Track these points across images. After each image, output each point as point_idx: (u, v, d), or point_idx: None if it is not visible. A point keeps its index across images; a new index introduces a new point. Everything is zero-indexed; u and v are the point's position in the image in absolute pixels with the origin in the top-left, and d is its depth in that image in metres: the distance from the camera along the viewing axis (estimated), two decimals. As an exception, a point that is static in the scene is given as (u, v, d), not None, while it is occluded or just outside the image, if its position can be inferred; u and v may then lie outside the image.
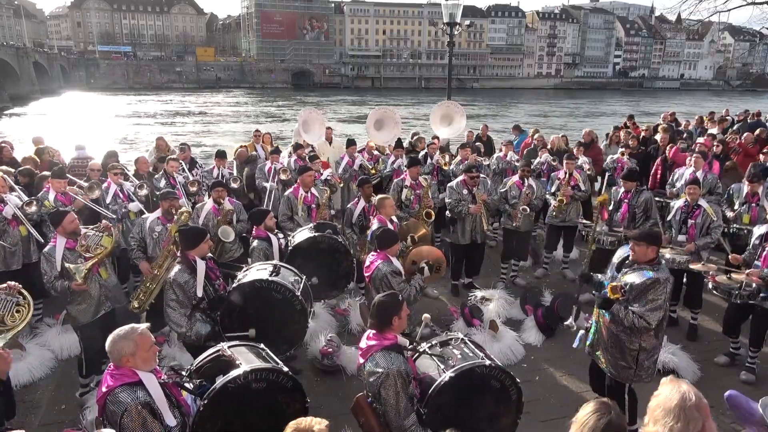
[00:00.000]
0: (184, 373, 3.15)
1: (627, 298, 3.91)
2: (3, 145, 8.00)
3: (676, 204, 6.13)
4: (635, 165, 8.42)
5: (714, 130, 12.02)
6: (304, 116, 10.01)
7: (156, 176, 7.45)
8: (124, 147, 27.29)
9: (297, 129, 9.99)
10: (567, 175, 7.34)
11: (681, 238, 5.91)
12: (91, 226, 4.84)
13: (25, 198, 5.95)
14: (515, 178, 7.20)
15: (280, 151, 8.80)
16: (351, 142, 9.27)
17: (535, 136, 10.46)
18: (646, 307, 3.79)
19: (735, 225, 6.62)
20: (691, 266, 5.49)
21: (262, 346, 3.54)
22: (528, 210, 6.93)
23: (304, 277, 4.68)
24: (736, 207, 6.71)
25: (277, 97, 70.00)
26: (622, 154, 9.11)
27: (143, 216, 5.75)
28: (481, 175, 7.14)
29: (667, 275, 3.88)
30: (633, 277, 3.93)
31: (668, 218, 6.19)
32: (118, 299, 4.93)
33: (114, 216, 6.38)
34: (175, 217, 5.41)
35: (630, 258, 4.04)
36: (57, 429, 4.36)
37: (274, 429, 3.22)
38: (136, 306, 5.19)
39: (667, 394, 2.08)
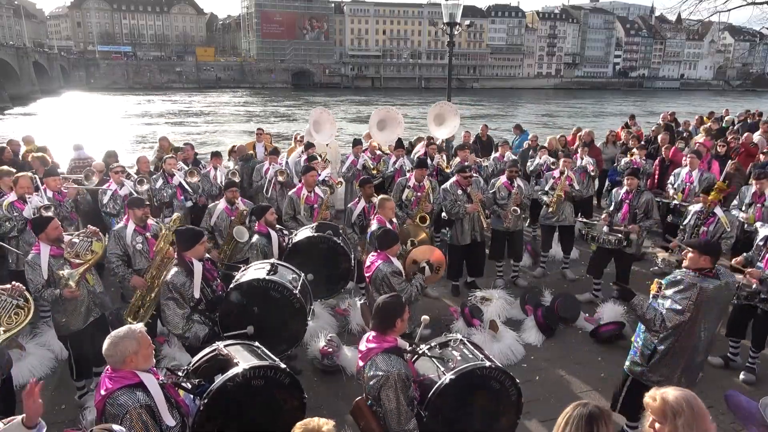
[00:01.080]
0: (180, 373, 3.14)
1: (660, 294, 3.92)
2: (3, 146, 8.00)
3: (693, 209, 6.05)
4: (646, 165, 8.46)
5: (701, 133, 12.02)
6: (315, 116, 10.01)
7: (154, 176, 7.45)
8: (128, 147, 27.28)
9: (308, 129, 9.99)
10: (563, 174, 7.35)
11: None
12: (76, 233, 4.74)
13: (46, 201, 5.96)
14: (503, 178, 7.16)
15: (279, 152, 8.77)
16: (357, 142, 9.28)
17: (530, 136, 10.50)
18: (668, 304, 3.75)
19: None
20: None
21: (257, 344, 3.54)
22: (519, 210, 6.92)
23: (303, 274, 4.67)
24: (743, 209, 6.65)
25: (286, 97, 69.96)
26: (632, 154, 9.09)
27: (115, 229, 5.34)
28: (474, 175, 7.14)
29: (704, 285, 3.70)
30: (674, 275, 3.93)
31: (684, 222, 6.11)
32: (106, 305, 4.86)
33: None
34: (164, 228, 5.16)
35: (683, 264, 3.98)
36: (57, 429, 4.35)
37: (273, 426, 3.24)
38: (131, 322, 4.77)
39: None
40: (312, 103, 56.71)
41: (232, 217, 6.13)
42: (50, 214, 5.60)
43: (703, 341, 3.88)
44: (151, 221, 5.36)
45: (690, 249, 3.89)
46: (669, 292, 3.80)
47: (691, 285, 3.71)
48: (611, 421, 2.14)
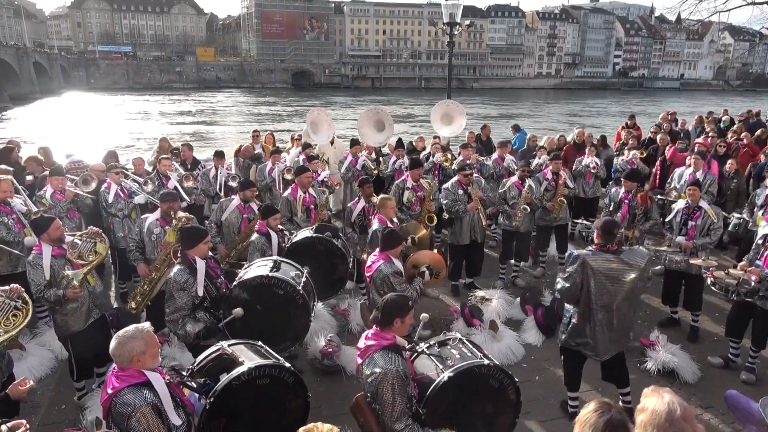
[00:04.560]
0: (185, 372, 3.16)
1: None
2: (11, 145, 7.97)
3: (677, 206, 6.09)
4: (644, 167, 8.45)
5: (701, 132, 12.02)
6: (313, 117, 10.01)
7: (151, 176, 7.45)
8: (129, 147, 27.28)
9: (305, 129, 9.99)
10: (555, 175, 7.38)
11: (680, 239, 5.85)
12: (78, 233, 4.74)
13: (31, 204, 5.95)
14: (514, 178, 7.20)
15: (281, 150, 8.79)
16: (355, 142, 9.28)
17: (528, 136, 10.50)
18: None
19: (734, 215, 6.60)
20: (691, 261, 5.50)
21: (260, 343, 3.56)
22: (528, 209, 6.93)
23: (306, 270, 4.68)
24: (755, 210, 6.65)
25: (304, 97, 69.74)
26: (628, 151, 9.08)
27: (142, 216, 5.70)
28: (475, 175, 7.14)
29: (588, 257, 4.13)
30: None
31: (668, 219, 6.15)
32: (106, 305, 4.88)
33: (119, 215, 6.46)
34: (174, 222, 5.30)
35: None
36: (57, 429, 4.36)
37: (277, 424, 3.27)
38: (134, 306, 5.19)
39: (653, 408, 2.07)
40: (330, 103, 56.98)
41: (245, 215, 6.11)
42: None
43: (614, 315, 4.17)
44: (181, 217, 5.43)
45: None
46: (567, 267, 4.32)
47: (577, 257, 4.20)
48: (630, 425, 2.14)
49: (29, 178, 7.09)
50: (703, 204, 5.85)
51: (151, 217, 5.53)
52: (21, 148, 8.62)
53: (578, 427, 2.13)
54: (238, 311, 4.02)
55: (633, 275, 4.12)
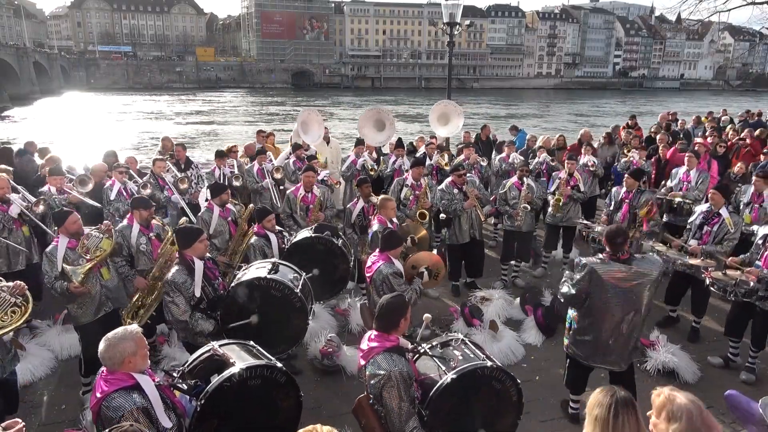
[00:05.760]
0: (175, 374, 3.13)
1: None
2: (9, 146, 8.00)
3: (700, 208, 5.95)
4: (645, 165, 8.44)
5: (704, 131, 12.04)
6: (303, 117, 10.01)
7: (146, 179, 7.44)
8: (129, 147, 27.25)
9: (296, 129, 10.00)
10: (567, 175, 7.35)
11: (693, 242, 5.72)
12: (94, 227, 4.77)
13: (30, 197, 5.97)
14: (514, 179, 7.20)
15: (266, 150, 8.77)
16: (359, 142, 9.30)
17: (527, 137, 10.51)
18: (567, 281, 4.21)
19: None
20: (690, 260, 5.47)
21: (251, 343, 3.54)
22: (529, 208, 6.92)
23: (304, 273, 4.67)
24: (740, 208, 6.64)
25: (312, 97, 69.72)
26: (626, 154, 9.08)
27: (119, 228, 5.20)
28: (469, 175, 7.15)
29: (596, 266, 3.98)
30: None
31: (690, 220, 6.01)
32: (120, 300, 4.88)
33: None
34: (169, 230, 5.20)
35: None
36: (57, 429, 4.36)
37: (270, 424, 3.25)
38: (130, 322, 4.73)
39: (682, 400, 2.13)
40: (340, 103, 57.04)
41: (229, 218, 6.08)
42: (42, 207, 5.67)
43: (622, 325, 4.03)
44: (154, 222, 5.36)
45: None
46: (575, 274, 4.16)
47: (585, 265, 4.03)
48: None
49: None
50: (723, 211, 5.63)
51: (134, 230, 5.18)
52: (36, 148, 8.62)
53: (588, 410, 2.20)
54: (254, 318, 4.03)
55: (647, 285, 3.98)
